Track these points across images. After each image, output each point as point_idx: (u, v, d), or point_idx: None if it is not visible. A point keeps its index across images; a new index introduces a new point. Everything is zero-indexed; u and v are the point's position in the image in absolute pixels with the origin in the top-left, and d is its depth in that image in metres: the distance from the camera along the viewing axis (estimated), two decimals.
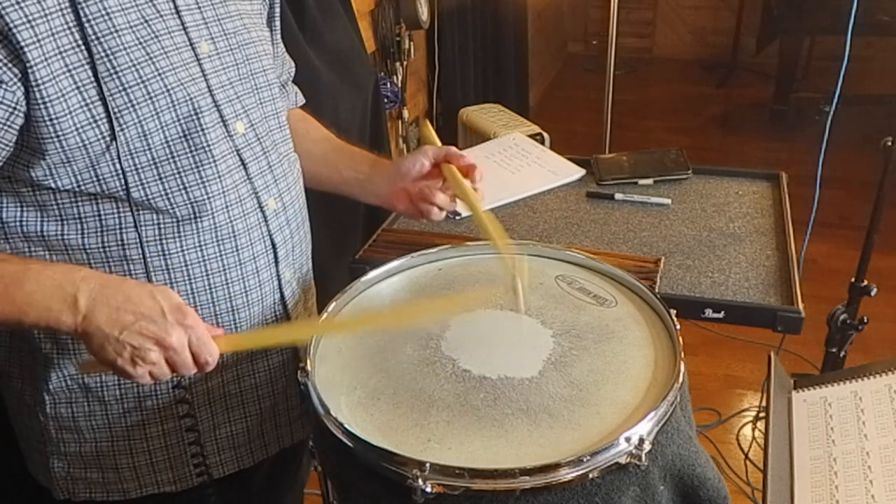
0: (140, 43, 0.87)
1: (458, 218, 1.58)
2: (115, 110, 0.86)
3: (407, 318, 1.01)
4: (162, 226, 0.93)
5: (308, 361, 0.94)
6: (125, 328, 0.81)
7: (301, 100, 1.26)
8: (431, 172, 1.14)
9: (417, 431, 0.86)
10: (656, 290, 1.16)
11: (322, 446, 0.91)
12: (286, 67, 1.21)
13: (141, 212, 0.91)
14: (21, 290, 0.83)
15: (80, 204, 0.90)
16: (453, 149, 1.13)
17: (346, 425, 0.84)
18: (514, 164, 1.80)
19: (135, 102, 0.87)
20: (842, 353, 1.84)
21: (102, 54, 0.85)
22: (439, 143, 1.18)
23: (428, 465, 0.78)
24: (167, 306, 0.82)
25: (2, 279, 0.83)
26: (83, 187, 0.88)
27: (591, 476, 0.79)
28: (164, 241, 0.93)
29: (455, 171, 1.11)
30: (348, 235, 2.14)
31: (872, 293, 1.82)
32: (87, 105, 0.84)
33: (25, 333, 0.96)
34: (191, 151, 0.92)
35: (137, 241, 0.92)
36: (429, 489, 0.78)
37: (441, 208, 1.16)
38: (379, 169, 1.19)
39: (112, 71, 0.85)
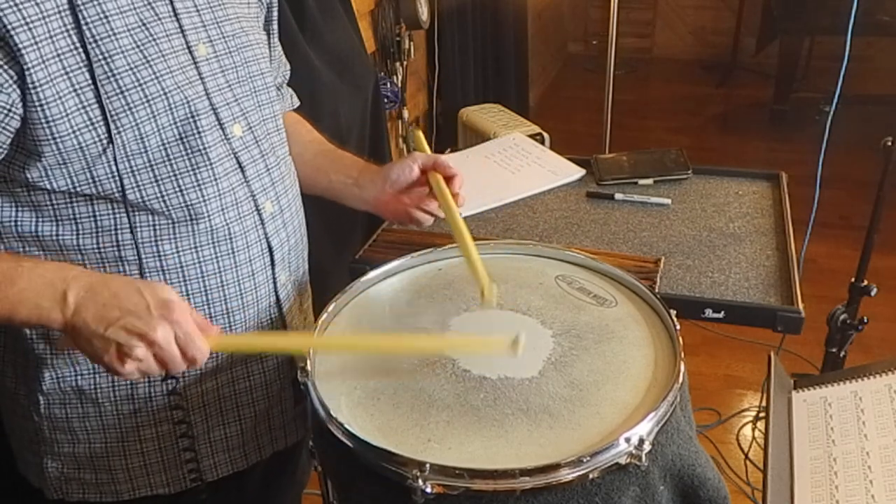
0: (137, 46, 0.87)
1: None
2: (112, 113, 0.86)
3: (399, 348, 1.01)
4: (158, 227, 0.93)
5: (308, 361, 0.94)
6: (111, 324, 0.80)
7: (296, 101, 1.26)
8: (419, 179, 1.15)
9: (417, 431, 0.86)
10: (656, 290, 1.16)
11: (322, 446, 0.91)
12: (282, 70, 1.21)
13: (137, 213, 0.91)
14: (13, 288, 0.82)
15: (75, 205, 0.90)
16: (441, 158, 1.13)
17: (346, 425, 0.84)
18: (514, 164, 1.80)
19: (132, 105, 0.87)
20: (842, 353, 1.84)
21: (100, 57, 0.84)
22: (429, 151, 1.19)
23: (428, 465, 0.78)
24: (153, 302, 0.82)
25: None
26: (79, 189, 0.88)
27: (591, 476, 0.79)
28: (159, 243, 0.93)
29: (440, 181, 1.12)
30: (348, 235, 2.14)
31: (872, 293, 1.82)
32: (84, 107, 0.84)
33: (19, 334, 0.96)
34: (187, 154, 0.92)
35: (133, 242, 0.92)
36: (429, 489, 0.78)
37: (433, 216, 1.17)
38: (367, 174, 1.19)
39: (109, 74, 0.85)
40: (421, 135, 1.25)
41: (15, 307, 0.83)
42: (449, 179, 1.13)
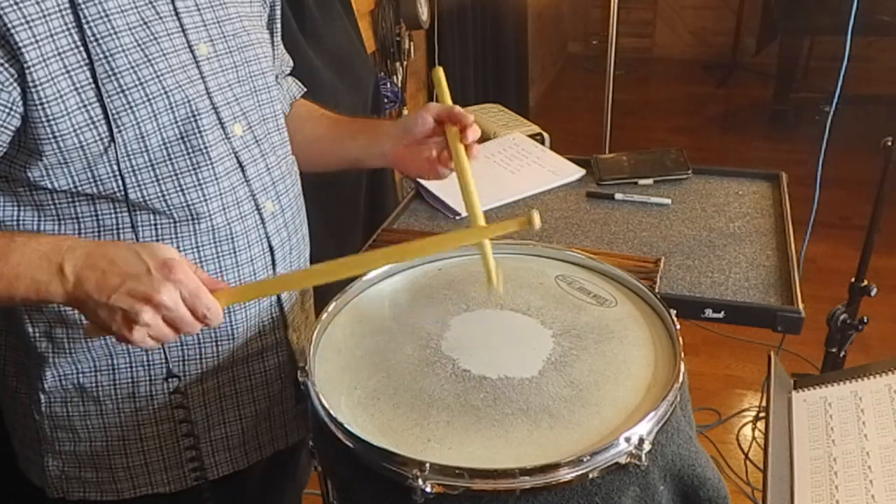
0: (139, 45, 0.87)
1: (458, 218, 1.58)
2: (114, 112, 0.86)
3: (425, 249, 0.97)
4: (159, 227, 0.93)
5: (308, 361, 0.94)
6: (113, 291, 0.78)
7: (301, 88, 1.26)
8: (435, 130, 1.11)
9: (417, 431, 0.86)
10: (656, 290, 1.16)
11: (322, 446, 0.91)
12: (284, 67, 1.21)
13: (138, 213, 0.91)
14: (6, 264, 0.81)
15: (77, 204, 0.90)
16: (457, 108, 1.08)
17: (346, 425, 0.84)
18: (514, 164, 1.80)
19: (133, 104, 0.87)
20: (842, 353, 1.84)
21: (101, 56, 0.84)
22: (449, 100, 1.13)
23: (428, 465, 0.78)
24: (153, 263, 0.79)
25: None
26: (80, 188, 0.88)
27: (590, 476, 0.79)
28: (160, 243, 0.93)
29: (455, 135, 1.06)
30: (348, 235, 2.14)
31: (872, 293, 1.82)
32: (85, 106, 0.84)
33: (21, 333, 0.96)
34: (188, 154, 0.92)
35: (134, 241, 0.91)
36: (429, 489, 0.78)
37: (451, 170, 1.12)
38: (382, 130, 1.18)
39: (110, 72, 0.85)
40: (442, 76, 1.16)
41: (12, 283, 0.81)
42: (464, 129, 1.07)
